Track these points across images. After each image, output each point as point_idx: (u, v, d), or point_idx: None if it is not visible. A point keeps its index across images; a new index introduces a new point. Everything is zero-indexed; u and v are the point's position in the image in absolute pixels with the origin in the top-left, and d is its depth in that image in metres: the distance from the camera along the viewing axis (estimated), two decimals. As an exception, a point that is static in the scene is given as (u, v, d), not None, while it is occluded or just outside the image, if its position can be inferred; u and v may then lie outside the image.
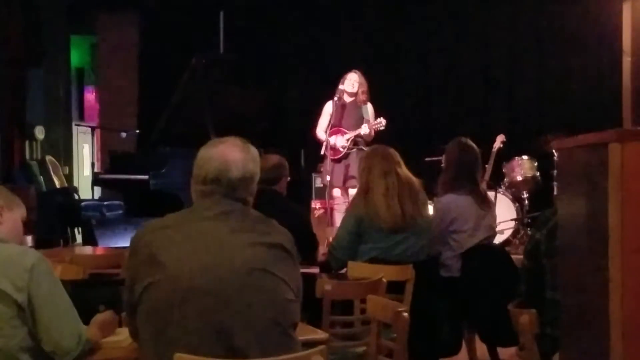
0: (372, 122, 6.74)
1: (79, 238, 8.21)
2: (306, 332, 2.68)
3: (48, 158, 9.14)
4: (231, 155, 2.26)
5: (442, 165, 6.91)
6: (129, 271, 2.22)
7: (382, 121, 6.72)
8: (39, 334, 2.29)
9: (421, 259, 4.01)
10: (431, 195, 4.46)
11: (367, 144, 6.70)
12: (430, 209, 4.40)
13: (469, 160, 4.39)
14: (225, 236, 2.18)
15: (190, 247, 2.15)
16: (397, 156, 4.12)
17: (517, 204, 7.33)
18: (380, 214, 3.96)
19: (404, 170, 4.09)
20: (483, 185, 4.64)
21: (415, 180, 4.11)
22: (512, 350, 3.78)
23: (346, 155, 6.82)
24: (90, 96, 10.68)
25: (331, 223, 6.83)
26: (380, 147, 4.26)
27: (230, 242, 2.17)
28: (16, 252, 2.34)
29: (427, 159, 7.34)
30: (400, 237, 3.98)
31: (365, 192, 4.08)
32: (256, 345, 2.09)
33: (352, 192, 6.37)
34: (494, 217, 4.57)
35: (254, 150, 2.33)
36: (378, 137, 6.59)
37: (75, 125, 10.08)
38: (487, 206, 4.39)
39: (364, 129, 6.71)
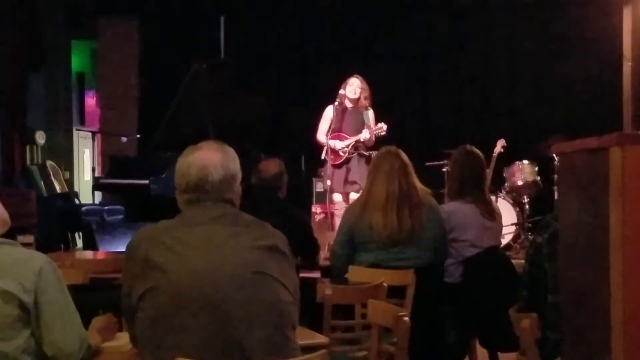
0: (372, 128, 6.74)
1: (79, 243, 8.21)
2: (307, 337, 2.68)
3: (49, 163, 9.14)
4: (209, 159, 2.26)
5: (445, 170, 6.98)
6: (126, 278, 2.21)
7: (383, 127, 6.72)
8: (42, 337, 2.30)
9: (420, 265, 3.98)
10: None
11: (368, 149, 6.71)
12: None
13: (475, 168, 4.35)
14: (220, 241, 2.18)
15: (186, 252, 2.15)
16: (407, 164, 4.03)
17: (518, 209, 7.34)
18: (375, 228, 3.91)
19: (409, 180, 4.00)
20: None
21: (420, 189, 4.04)
22: (513, 355, 3.77)
23: (347, 160, 6.82)
24: (90, 101, 10.67)
25: (332, 228, 6.83)
26: (391, 152, 4.11)
27: (227, 246, 2.17)
28: (25, 255, 2.35)
29: (427, 164, 7.35)
30: (394, 249, 3.92)
31: (365, 198, 4.05)
32: (257, 349, 2.09)
33: (353, 196, 6.38)
34: (500, 228, 4.52)
35: (231, 151, 2.33)
36: (378, 142, 6.59)
37: (76, 130, 10.08)
38: (492, 217, 4.32)
39: (365, 135, 6.71)
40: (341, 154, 6.80)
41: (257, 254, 2.18)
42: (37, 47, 9.34)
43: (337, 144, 6.79)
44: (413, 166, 4.10)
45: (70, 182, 9.64)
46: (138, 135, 8.82)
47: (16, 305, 2.25)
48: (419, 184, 4.04)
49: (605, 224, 1.91)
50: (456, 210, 4.28)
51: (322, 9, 9.16)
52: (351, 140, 6.76)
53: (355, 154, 6.78)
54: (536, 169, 7.48)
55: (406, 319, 2.65)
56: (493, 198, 5.22)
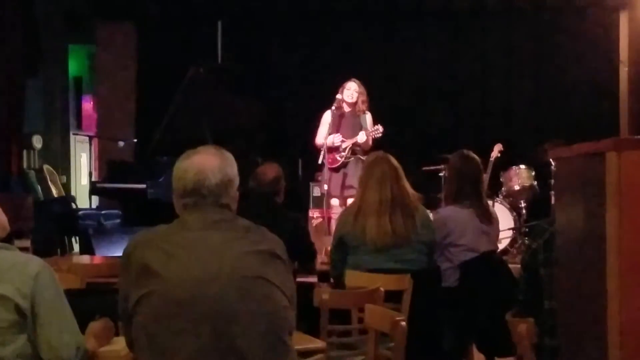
0: (369, 130, 6.74)
1: (76, 247, 8.20)
2: (304, 341, 2.69)
3: (45, 167, 9.12)
4: (206, 162, 2.25)
5: (442, 175, 6.99)
6: (122, 283, 2.21)
7: (379, 128, 6.72)
8: (39, 342, 2.29)
9: (416, 269, 3.97)
10: (429, 207, 4.44)
11: (365, 152, 6.70)
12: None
13: (472, 173, 4.36)
14: (217, 245, 2.18)
15: (183, 257, 2.14)
16: (397, 168, 4.05)
17: (515, 213, 7.34)
18: (368, 233, 3.92)
19: (400, 185, 4.01)
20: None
21: (412, 194, 4.04)
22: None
23: (344, 164, 6.82)
24: (88, 105, 10.66)
25: (329, 232, 6.82)
26: (381, 157, 4.14)
27: (224, 251, 2.17)
28: (22, 260, 2.34)
29: (425, 169, 7.36)
30: (389, 253, 3.92)
31: (358, 206, 4.05)
32: (254, 354, 2.09)
33: (350, 201, 6.37)
34: (497, 233, 4.53)
35: (229, 155, 2.32)
36: (376, 146, 6.59)
37: (73, 134, 10.06)
38: (489, 221, 4.34)
39: (362, 137, 6.71)
40: (338, 158, 6.80)
41: (254, 259, 2.18)
42: (35, 52, 9.33)
43: (336, 139, 6.75)
44: (411, 171, 4.12)
45: (67, 187, 9.62)
46: (135, 140, 8.82)
47: (13, 310, 2.25)
48: (409, 189, 4.05)
49: (601, 229, 1.91)
50: (453, 214, 4.29)
51: (320, 13, 9.17)
52: (348, 143, 6.76)
53: (353, 158, 6.79)
54: (533, 173, 7.49)
55: (403, 323, 2.65)
56: (490, 202, 5.23)
